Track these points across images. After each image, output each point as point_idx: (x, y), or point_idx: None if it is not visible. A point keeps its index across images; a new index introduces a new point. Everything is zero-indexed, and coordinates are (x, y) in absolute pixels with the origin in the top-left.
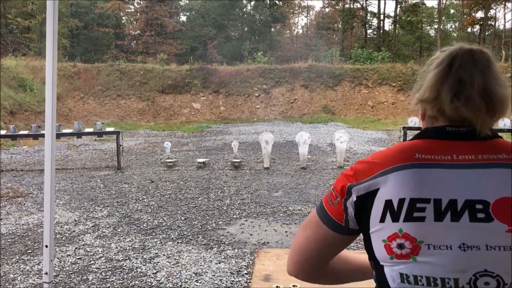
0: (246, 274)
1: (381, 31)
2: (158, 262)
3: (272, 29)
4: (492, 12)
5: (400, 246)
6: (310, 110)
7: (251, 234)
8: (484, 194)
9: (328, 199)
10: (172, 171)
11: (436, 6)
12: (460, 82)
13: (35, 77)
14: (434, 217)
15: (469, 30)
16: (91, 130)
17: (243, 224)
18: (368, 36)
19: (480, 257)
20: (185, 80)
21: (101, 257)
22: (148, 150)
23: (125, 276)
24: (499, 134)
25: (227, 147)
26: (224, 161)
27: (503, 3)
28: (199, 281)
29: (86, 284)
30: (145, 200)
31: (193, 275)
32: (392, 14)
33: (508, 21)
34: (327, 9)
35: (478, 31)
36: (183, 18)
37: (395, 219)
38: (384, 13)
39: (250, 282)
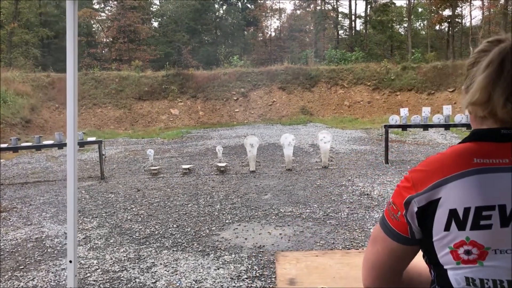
0: (246, 278)
1: (353, 32)
2: (156, 271)
3: (246, 33)
4: (458, 10)
5: (468, 253)
6: (289, 112)
7: (246, 238)
8: None
9: (390, 213)
10: (157, 179)
11: (405, 6)
12: None
13: (8, 88)
14: (500, 224)
15: (437, 28)
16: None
17: (237, 228)
18: (340, 36)
19: None
20: (162, 86)
21: (97, 269)
22: (129, 158)
23: (124, 287)
24: (453, 129)
25: (210, 152)
26: (209, 166)
27: (469, 1)
28: None
29: None
30: (134, 209)
31: (194, 282)
32: (363, 14)
33: (474, 18)
34: (298, 11)
35: (446, 28)
36: (155, 24)
37: (461, 228)
38: (355, 14)
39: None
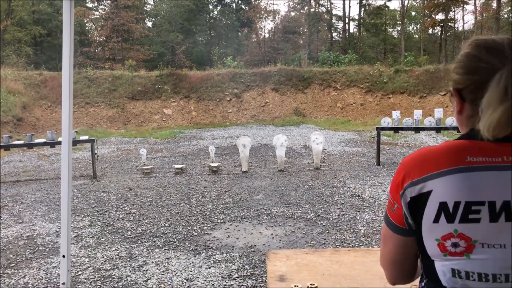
0: (237, 277)
1: (347, 34)
2: (147, 270)
3: (239, 34)
4: (451, 14)
5: (455, 245)
6: (282, 113)
7: (237, 238)
8: None
9: (390, 208)
10: (149, 178)
11: (398, 9)
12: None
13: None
14: (490, 219)
15: (430, 31)
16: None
17: (228, 228)
18: (334, 39)
19: None
20: (155, 86)
21: (88, 267)
22: (122, 157)
23: (116, 285)
24: (444, 131)
25: (203, 152)
26: (201, 166)
27: (462, 5)
28: (192, 287)
29: None
30: (126, 208)
31: (185, 281)
32: (356, 17)
33: (466, 23)
34: (292, 13)
35: (439, 32)
36: (149, 23)
37: (450, 220)
38: (349, 16)
39: (265, 283)
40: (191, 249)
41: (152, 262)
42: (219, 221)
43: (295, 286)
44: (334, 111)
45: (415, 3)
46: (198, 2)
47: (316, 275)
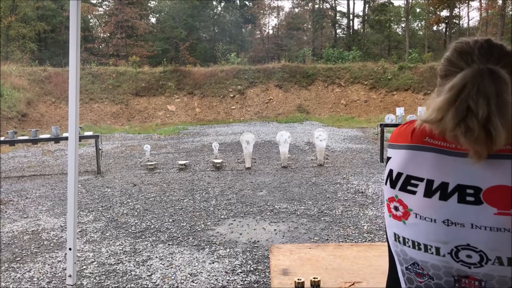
0: (240, 273)
1: (351, 31)
2: (151, 265)
3: (243, 30)
4: (456, 10)
5: (396, 208)
6: (285, 110)
7: (240, 234)
8: (477, 181)
9: None
10: (153, 174)
11: (403, 6)
12: (465, 110)
13: (5, 82)
14: (424, 194)
15: (434, 28)
16: (66, 135)
17: (232, 224)
18: (338, 35)
19: (464, 233)
20: (159, 82)
21: (93, 261)
22: (126, 153)
23: (120, 279)
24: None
25: (206, 149)
26: (204, 162)
27: (467, 2)
28: (195, 282)
29: None
30: (130, 203)
31: (188, 275)
32: (361, 13)
33: (471, 19)
34: (296, 10)
35: (444, 29)
36: (153, 20)
37: (392, 186)
38: (353, 13)
39: (269, 277)
40: (194, 244)
41: (156, 257)
42: (222, 216)
43: (298, 280)
44: (338, 108)
45: (420, 0)
46: None
47: (319, 269)
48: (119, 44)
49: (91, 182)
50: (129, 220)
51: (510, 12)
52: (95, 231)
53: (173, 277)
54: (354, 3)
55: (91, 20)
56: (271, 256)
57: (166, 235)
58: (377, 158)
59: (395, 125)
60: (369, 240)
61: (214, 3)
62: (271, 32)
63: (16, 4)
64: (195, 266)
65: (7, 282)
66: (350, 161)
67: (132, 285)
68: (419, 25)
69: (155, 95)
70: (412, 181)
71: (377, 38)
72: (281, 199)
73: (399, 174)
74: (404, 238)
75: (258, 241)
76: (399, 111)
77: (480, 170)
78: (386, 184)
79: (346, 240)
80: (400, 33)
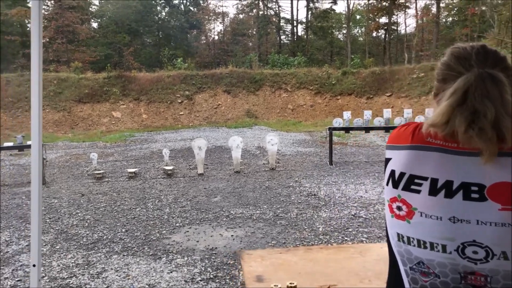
0: (200, 281)
1: (295, 37)
2: (107, 277)
3: (188, 36)
4: (394, 18)
5: (399, 208)
6: (234, 115)
7: (197, 241)
8: (481, 178)
9: None
10: (102, 183)
11: (344, 13)
12: (474, 113)
13: None
14: (429, 192)
15: (374, 34)
16: (10, 144)
17: (188, 231)
18: (282, 41)
19: (470, 229)
20: (103, 89)
21: (44, 276)
22: (71, 162)
23: None
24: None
25: (155, 156)
26: (155, 169)
27: (404, 9)
28: None
29: None
30: (79, 214)
31: (147, 286)
32: (304, 20)
33: (408, 26)
34: (241, 16)
35: (383, 35)
36: (95, 24)
37: (395, 186)
38: (297, 19)
39: (243, 284)
40: (151, 254)
41: (111, 269)
42: (177, 224)
43: (274, 286)
44: (285, 112)
45: (359, 7)
46: (145, 2)
47: (293, 274)
48: (60, 49)
49: None
50: (79, 232)
51: (443, 20)
52: (44, 244)
53: None
54: (297, 10)
55: (28, 25)
56: (242, 263)
57: (120, 245)
58: (326, 160)
59: (343, 129)
60: (325, 242)
61: (158, 8)
62: (216, 37)
63: None
64: (153, 276)
65: None
66: (300, 165)
67: None
68: (360, 31)
69: (99, 102)
70: (416, 181)
71: (320, 44)
72: (236, 204)
73: (402, 174)
74: (408, 238)
75: (216, 247)
76: (346, 115)
77: (483, 167)
78: (387, 185)
79: (303, 243)
80: (342, 39)
